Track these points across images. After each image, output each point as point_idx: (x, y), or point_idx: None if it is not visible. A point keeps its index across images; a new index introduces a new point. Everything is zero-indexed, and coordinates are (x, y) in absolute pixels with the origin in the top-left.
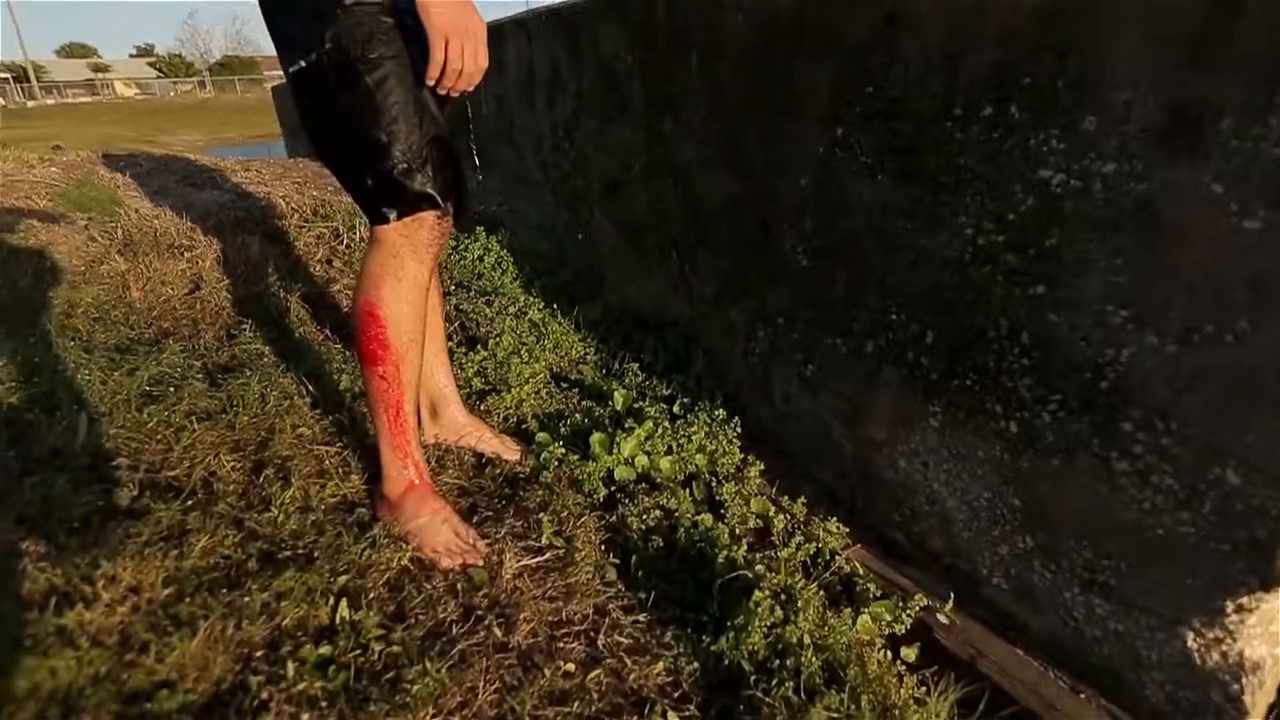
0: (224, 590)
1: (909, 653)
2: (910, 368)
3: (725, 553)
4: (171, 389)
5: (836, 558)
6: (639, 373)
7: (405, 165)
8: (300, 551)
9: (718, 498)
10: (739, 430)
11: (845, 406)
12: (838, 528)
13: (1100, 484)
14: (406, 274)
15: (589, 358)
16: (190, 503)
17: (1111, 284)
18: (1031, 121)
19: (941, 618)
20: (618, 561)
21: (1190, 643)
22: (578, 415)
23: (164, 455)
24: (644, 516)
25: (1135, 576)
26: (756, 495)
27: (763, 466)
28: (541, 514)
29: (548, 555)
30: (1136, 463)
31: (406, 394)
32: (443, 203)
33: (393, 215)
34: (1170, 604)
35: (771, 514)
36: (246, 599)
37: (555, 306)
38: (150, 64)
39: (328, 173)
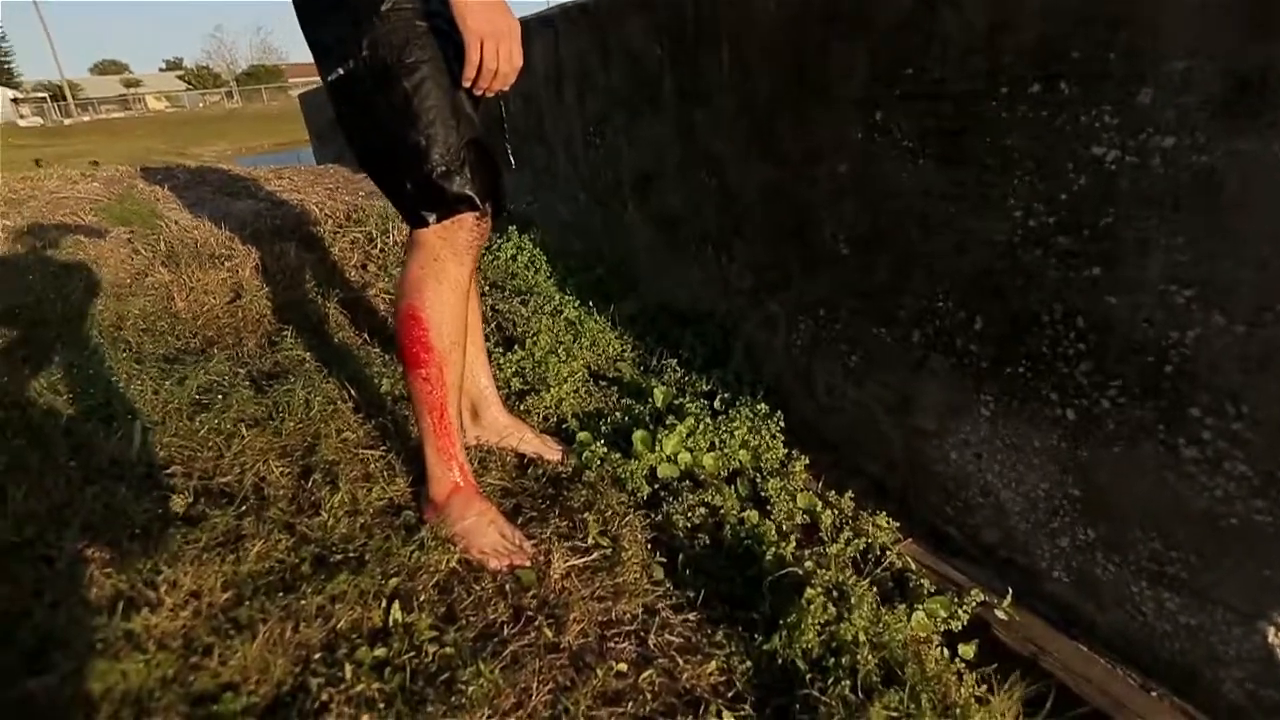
0: (280, 594)
1: (967, 650)
2: (959, 355)
3: (773, 549)
4: (220, 397)
5: (888, 553)
6: (678, 368)
7: (444, 168)
8: (351, 555)
9: (763, 493)
10: (782, 424)
11: (892, 397)
12: (888, 522)
13: (1167, 472)
14: (447, 276)
15: (626, 355)
16: (244, 508)
17: (1174, 263)
18: (1082, 97)
19: (1000, 613)
20: (665, 560)
21: (1272, 638)
22: (618, 413)
23: (216, 462)
24: (689, 514)
25: (1208, 568)
26: (802, 490)
27: (808, 461)
28: (586, 513)
29: (594, 555)
30: (1206, 449)
31: (450, 396)
32: (481, 204)
33: (432, 218)
34: (1247, 597)
35: (819, 509)
36: (302, 602)
37: (590, 304)
38: (179, 77)
39: (359, 178)
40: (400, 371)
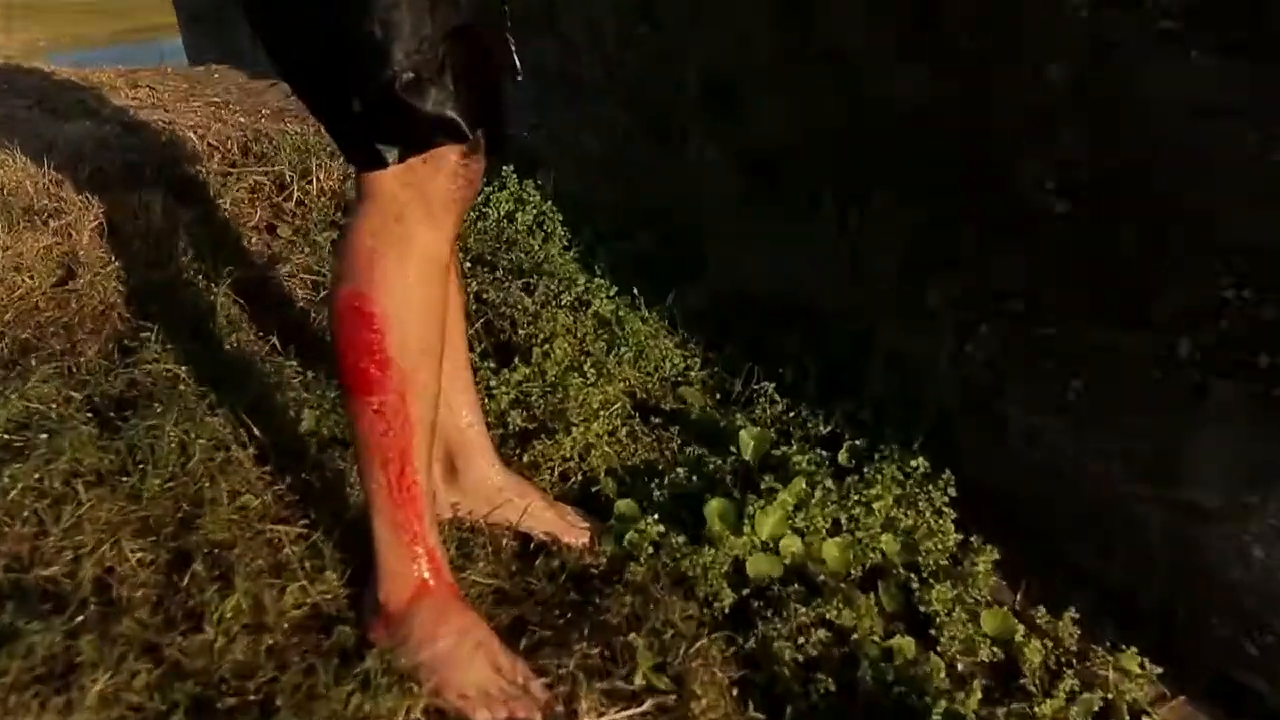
0: None
1: None
2: (1266, 383)
3: (944, 705)
4: (43, 437)
5: (1144, 719)
6: (777, 398)
7: (411, 74)
8: (252, 698)
9: (923, 609)
10: (951, 492)
11: (1145, 451)
12: (1142, 665)
13: None
14: (414, 248)
15: (692, 374)
16: (80, 618)
17: None
18: None
19: None
20: (763, 718)
21: None
22: (680, 470)
23: (34, 542)
24: (800, 640)
25: None
26: (989, 605)
27: (997, 555)
28: (632, 635)
29: (647, 705)
30: None
31: (417, 440)
32: (469, 131)
33: (392, 156)
34: None
35: (1019, 638)
36: None
37: (633, 291)
38: None
39: (262, 86)
40: (336, 399)
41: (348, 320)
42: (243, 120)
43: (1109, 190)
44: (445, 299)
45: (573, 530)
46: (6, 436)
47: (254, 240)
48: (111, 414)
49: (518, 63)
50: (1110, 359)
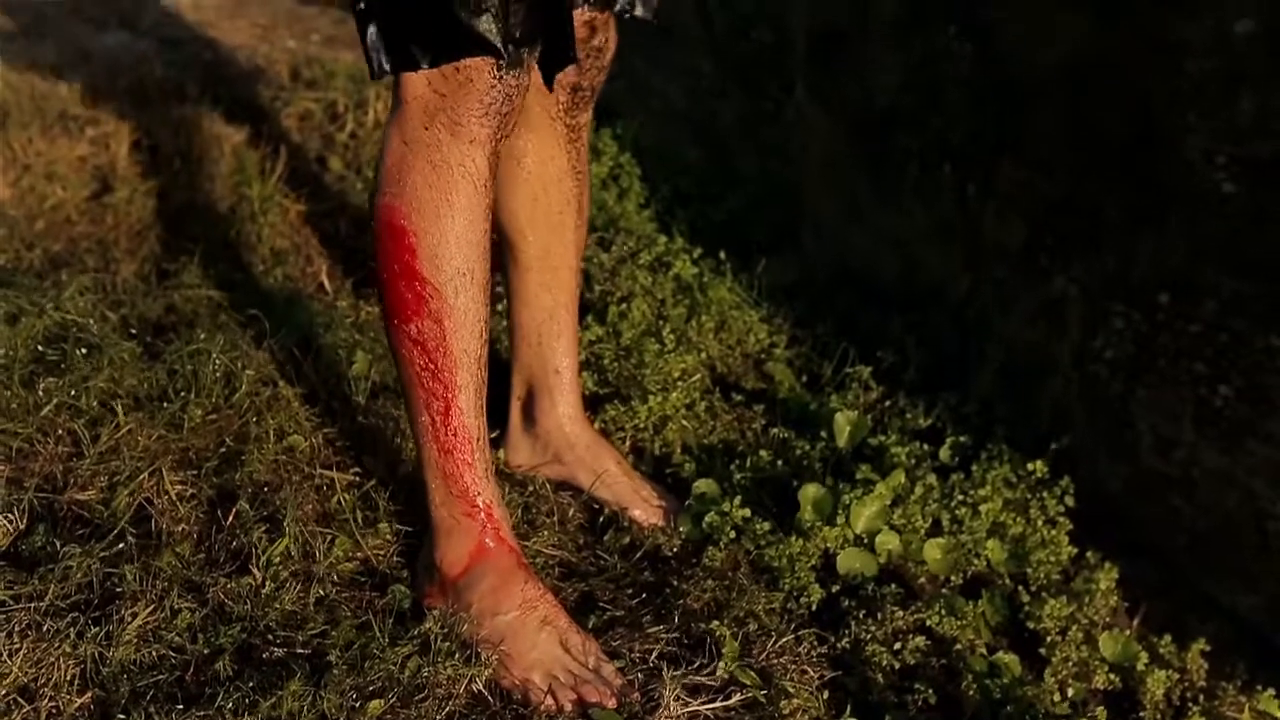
0: (179, 707)
1: None
2: None
3: None
4: (81, 353)
5: None
6: (873, 384)
7: None
8: (301, 651)
9: (1032, 625)
10: (1069, 502)
11: None
12: None
13: None
14: (446, 158)
15: (778, 350)
16: (118, 546)
17: None
18: None
19: None
20: None
21: None
22: (764, 452)
23: (67, 464)
24: (896, 646)
25: None
26: (1108, 628)
27: (1117, 574)
28: (714, 623)
29: (732, 700)
30: None
31: (461, 373)
32: (506, 47)
33: (425, 60)
34: None
35: (1141, 666)
36: None
37: (720, 256)
38: None
39: (311, 11)
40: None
41: (382, 234)
42: (292, 44)
43: None
44: (486, 219)
45: (647, 505)
46: (41, 348)
47: (303, 170)
48: (149, 337)
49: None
50: (1272, 364)
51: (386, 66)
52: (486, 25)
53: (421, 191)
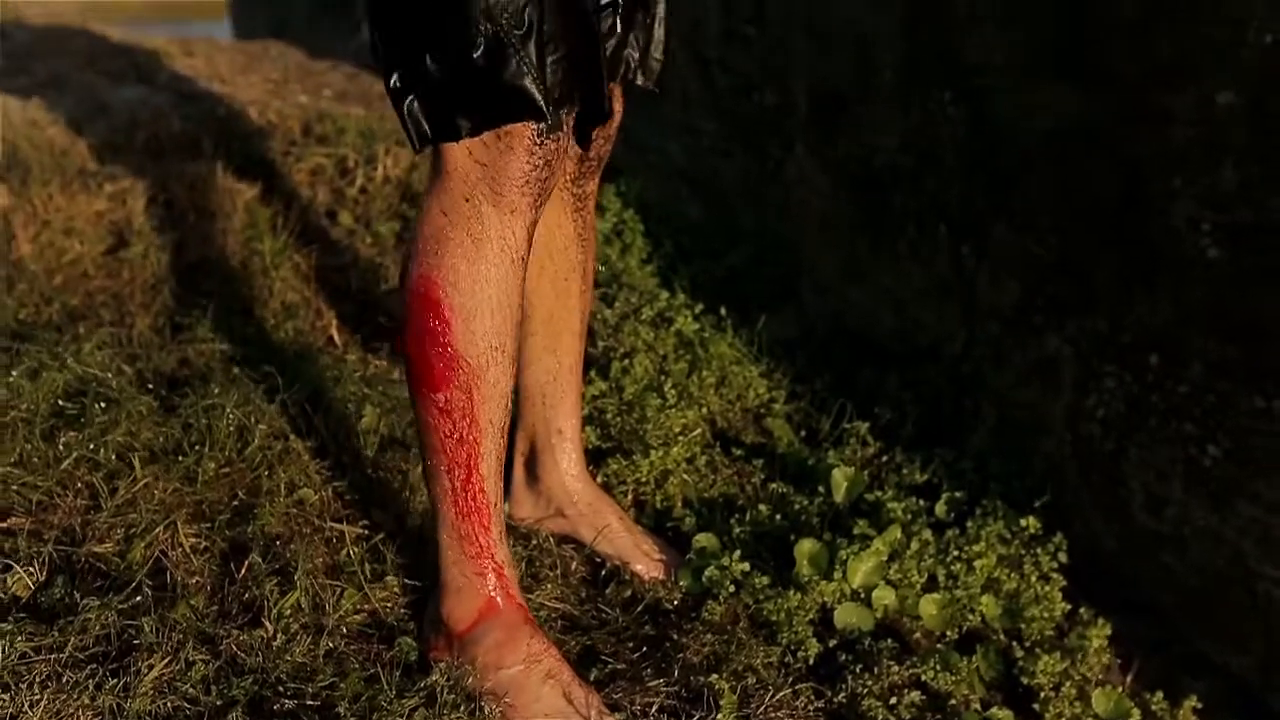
0: None
1: None
2: None
3: None
4: (100, 407)
5: None
6: (870, 439)
7: (492, 40)
8: (311, 703)
9: (1026, 680)
10: (1062, 558)
11: None
12: None
13: None
14: (486, 232)
15: (777, 406)
16: (136, 599)
17: None
18: None
19: None
20: None
21: None
22: (763, 507)
23: (85, 517)
24: (892, 701)
25: None
26: (1101, 684)
27: (1110, 631)
28: (714, 676)
29: None
30: None
31: (485, 443)
32: (546, 108)
33: (466, 125)
34: None
35: None
36: None
37: (720, 312)
38: None
39: (321, 67)
40: (398, 398)
41: (415, 304)
42: (304, 99)
43: (1274, 237)
44: (519, 292)
45: (648, 560)
46: (61, 403)
47: (313, 225)
48: (164, 391)
49: (647, 59)
50: (1255, 424)
51: (430, 136)
52: (530, 86)
53: (460, 265)
